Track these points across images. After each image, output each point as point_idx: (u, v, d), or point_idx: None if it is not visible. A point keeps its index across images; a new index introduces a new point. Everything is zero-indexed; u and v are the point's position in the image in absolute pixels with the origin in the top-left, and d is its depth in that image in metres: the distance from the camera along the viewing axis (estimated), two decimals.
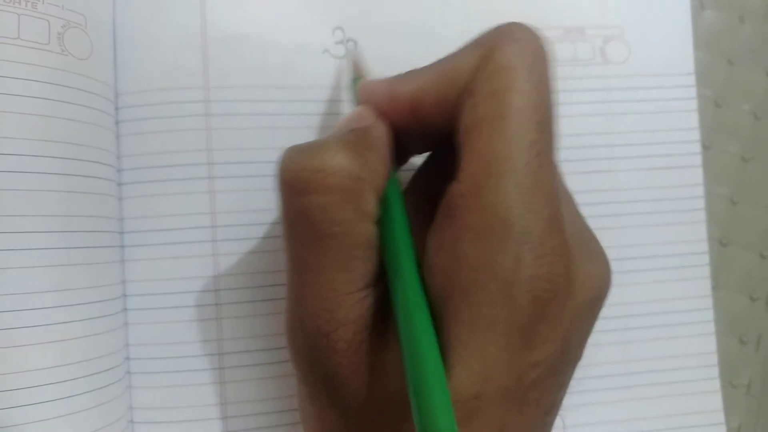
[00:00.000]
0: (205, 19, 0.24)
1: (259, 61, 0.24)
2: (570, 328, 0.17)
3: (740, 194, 0.29)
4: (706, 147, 0.29)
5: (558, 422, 0.19)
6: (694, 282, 0.27)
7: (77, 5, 0.22)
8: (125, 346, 0.23)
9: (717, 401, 0.27)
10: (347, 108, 0.25)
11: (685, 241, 0.27)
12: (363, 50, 0.25)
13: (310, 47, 0.25)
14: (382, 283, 0.19)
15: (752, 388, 0.29)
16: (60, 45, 0.21)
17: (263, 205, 0.24)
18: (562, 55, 0.27)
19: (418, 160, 0.22)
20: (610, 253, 0.20)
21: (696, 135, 0.28)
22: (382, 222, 0.18)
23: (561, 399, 0.19)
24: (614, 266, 0.20)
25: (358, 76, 0.23)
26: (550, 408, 0.18)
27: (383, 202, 0.19)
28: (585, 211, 0.21)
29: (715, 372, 0.27)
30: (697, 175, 0.28)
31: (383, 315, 0.18)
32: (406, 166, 0.22)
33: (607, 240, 0.20)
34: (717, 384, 0.27)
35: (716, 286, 0.28)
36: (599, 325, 0.20)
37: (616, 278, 0.20)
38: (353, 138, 0.19)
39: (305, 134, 0.25)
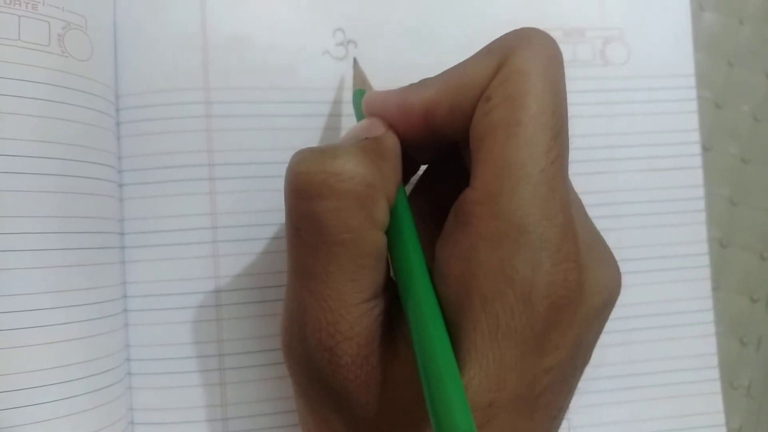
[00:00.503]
0: (206, 20, 0.24)
1: (259, 63, 0.24)
2: (580, 333, 0.17)
3: (740, 195, 0.29)
4: (706, 148, 0.29)
5: (563, 423, 0.19)
6: (694, 283, 0.27)
7: (78, 7, 0.22)
8: (125, 347, 0.23)
9: (717, 402, 0.27)
10: (348, 109, 0.25)
11: (685, 242, 0.27)
12: (364, 55, 0.25)
13: (311, 49, 0.25)
14: (388, 294, 0.18)
15: (753, 390, 0.29)
16: (60, 46, 0.21)
17: (264, 206, 0.24)
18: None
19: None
20: None
21: (696, 136, 0.28)
22: (391, 231, 0.18)
23: (569, 403, 0.19)
24: None
25: (359, 89, 0.23)
26: (558, 412, 0.18)
27: (392, 211, 0.18)
28: None
29: (715, 373, 0.27)
30: (697, 176, 0.28)
31: (390, 326, 0.18)
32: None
33: (607, 241, 0.20)
34: (717, 385, 0.27)
35: (716, 288, 0.28)
36: None
37: None
38: (368, 145, 0.18)
39: (306, 135, 0.25)
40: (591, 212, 0.20)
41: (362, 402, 0.18)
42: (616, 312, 0.19)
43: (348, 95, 0.25)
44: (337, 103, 0.25)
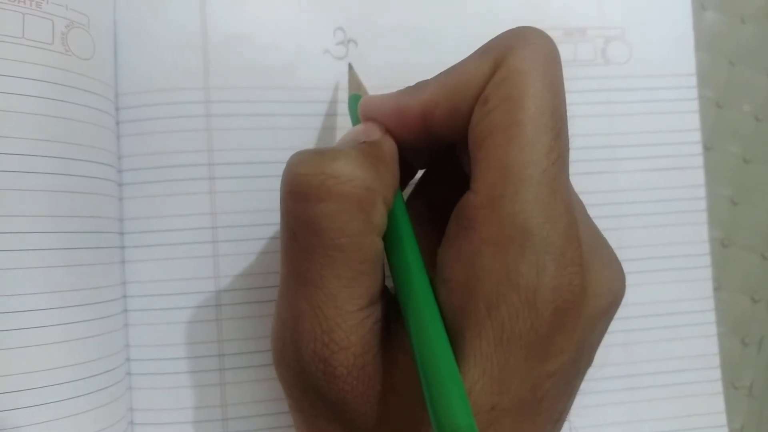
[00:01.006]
0: (206, 19, 0.24)
1: (259, 62, 0.24)
2: (584, 336, 0.17)
3: (742, 195, 0.29)
4: (707, 148, 0.29)
5: (565, 425, 0.19)
6: (695, 283, 0.27)
7: (80, 5, 0.22)
8: (125, 347, 0.23)
9: (719, 403, 0.27)
10: (346, 109, 0.25)
11: (686, 242, 0.27)
12: (364, 55, 0.25)
13: (311, 48, 0.25)
14: (383, 301, 0.18)
15: (754, 390, 0.29)
16: (64, 45, 0.21)
17: (264, 206, 0.24)
18: (563, 56, 0.26)
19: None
20: None
21: (697, 136, 0.28)
22: (389, 236, 0.18)
23: (570, 405, 0.19)
24: None
25: (354, 93, 0.23)
26: (560, 415, 0.18)
27: (390, 216, 0.18)
28: None
29: (717, 374, 0.27)
30: (699, 176, 0.27)
31: (387, 335, 0.18)
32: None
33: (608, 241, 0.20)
34: (719, 386, 0.27)
35: (718, 288, 0.28)
36: None
37: None
38: (365, 149, 0.18)
39: (305, 135, 0.25)
40: (592, 212, 0.20)
41: (360, 412, 0.17)
42: (618, 312, 0.19)
43: (345, 95, 0.25)
44: (337, 102, 0.25)
